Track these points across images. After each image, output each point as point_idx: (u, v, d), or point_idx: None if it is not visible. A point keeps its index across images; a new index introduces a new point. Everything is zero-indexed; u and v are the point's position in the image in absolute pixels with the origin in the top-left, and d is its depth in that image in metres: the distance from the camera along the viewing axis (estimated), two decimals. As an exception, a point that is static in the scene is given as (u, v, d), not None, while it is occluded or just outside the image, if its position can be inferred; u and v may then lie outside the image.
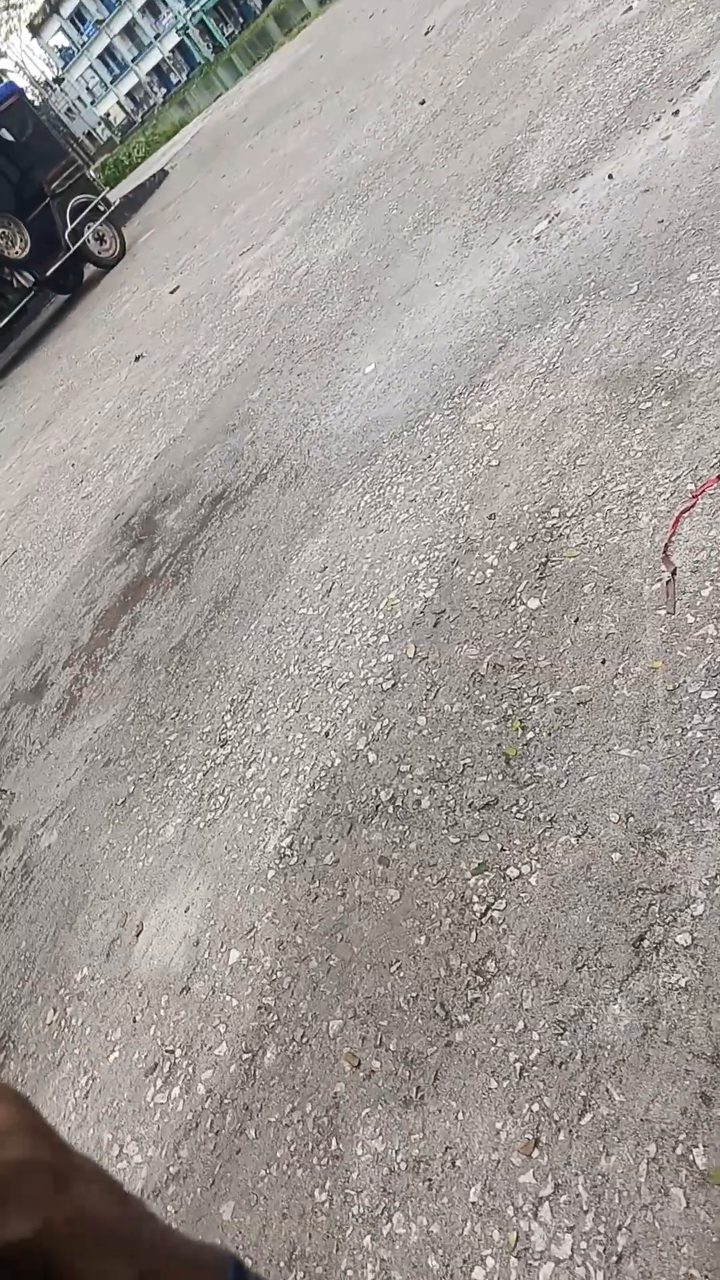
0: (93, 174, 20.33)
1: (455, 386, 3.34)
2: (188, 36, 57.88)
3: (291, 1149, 1.59)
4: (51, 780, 3.17)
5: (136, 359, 7.38)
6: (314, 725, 2.41)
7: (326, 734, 2.35)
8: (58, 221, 11.69)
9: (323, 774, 2.25)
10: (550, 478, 2.58)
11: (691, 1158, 1.20)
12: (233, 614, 3.17)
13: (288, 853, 2.13)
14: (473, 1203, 1.34)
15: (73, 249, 11.73)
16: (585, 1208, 1.24)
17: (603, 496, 2.34)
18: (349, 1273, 1.38)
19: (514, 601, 2.29)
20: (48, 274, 11.67)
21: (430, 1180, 1.40)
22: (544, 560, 2.34)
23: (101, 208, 12.33)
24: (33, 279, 11.66)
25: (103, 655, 3.63)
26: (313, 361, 4.57)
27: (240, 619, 3.11)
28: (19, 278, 11.61)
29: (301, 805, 2.22)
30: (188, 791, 2.59)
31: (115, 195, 15.21)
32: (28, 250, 11.41)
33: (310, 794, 2.23)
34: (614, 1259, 1.18)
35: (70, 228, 11.71)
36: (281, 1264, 1.46)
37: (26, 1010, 2.34)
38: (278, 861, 2.13)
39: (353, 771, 2.19)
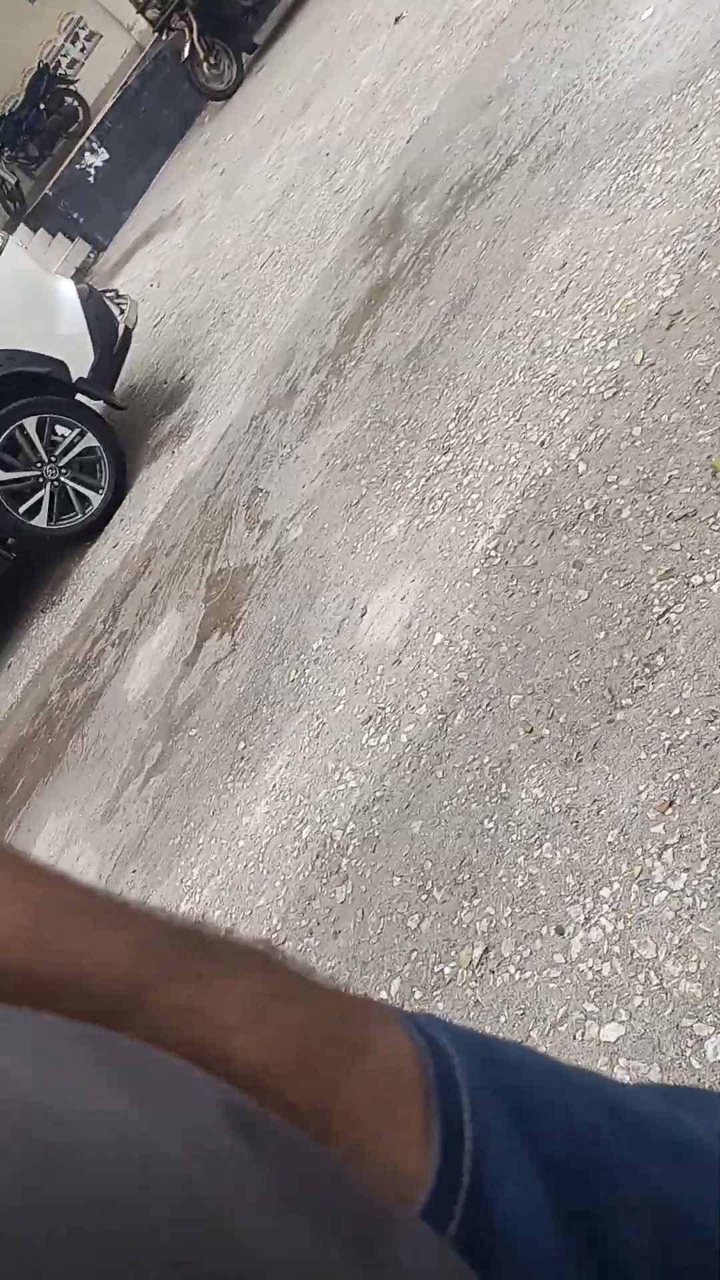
0: None
1: (744, 28, 2.81)
2: None
3: (470, 789, 1.91)
4: (298, 481, 3.49)
5: (396, 20, 6.66)
6: (531, 434, 2.45)
7: (542, 443, 2.39)
8: None
9: (533, 482, 2.33)
10: None
11: None
12: (467, 318, 3.13)
13: (493, 554, 2.30)
14: (609, 842, 1.58)
15: None
16: (703, 856, 1.44)
17: None
18: (504, 879, 1.72)
19: (758, 300, 2.09)
20: None
21: (578, 822, 1.66)
22: None
23: None
24: (289, -70, 10.46)
25: (345, 362, 3.76)
26: (584, 9, 3.94)
27: (474, 323, 3.07)
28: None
29: (510, 511, 2.34)
30: (411, 496, 2.78)
31: None
32: None
33: (520, 501, 2.33)
34: (719, 897, 1.39)
35: None
36: (454, 867, 1.83)
37: (276, 669, 2.82)
38: (483, 561, 2.31)
39: (562, 481, 2.25)
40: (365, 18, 7.64)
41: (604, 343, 2.43)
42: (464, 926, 1.73)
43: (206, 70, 9.88)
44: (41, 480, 4.61)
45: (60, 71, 13.03)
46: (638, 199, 2.72)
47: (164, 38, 10.36)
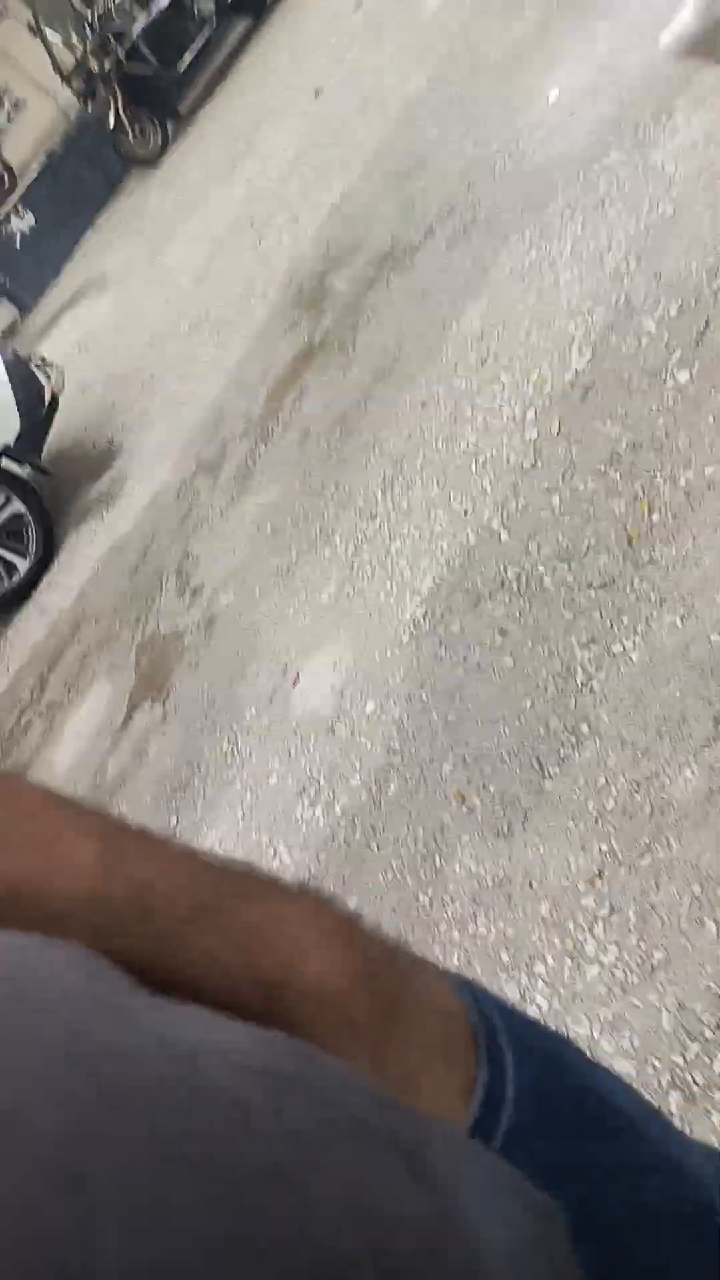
0: None
1: (641, 116, 2.97)
2: None
3: (405, 862, 1.89)
4: (228, 547, 3.49)
5: (316, 94, 6.90)
6: (454, 503, 2.50)
7: (465, 512, 2.44)
8: (239, -68, 10.57)
9: (458, 551, 2.37)
10: (727, 228, 2.33)
11: (729, 900, 1.35)
12: (390, 386, 3.20)
13: (421, 621, 2.32)
14: (542, 916, 1.58)
15: (254, -36, 10.66)
16: (632, 929, 1.45)
17: (777, 251, 2.11)
18: (439, 956, 1.70)
19: (664, 374, 2.18)
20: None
21: (510, 896, 1.65)
22: (703, 326, 2.19)
23: None
24: (214, 6, 10.80)
25: (273, 428, 3.79)
26: (495, 88, 4.13)
27: (396, 392, 3.14)
28: (199, 6, 10.79)
29: (437, 579, 2.37)
30: (341, 562, 2.80)
31: None
32: (208, -29, 10.49)
33: (445, 569, 2.37)
34: (649, 969, 1.39)
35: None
36: (390, 944, 1.81)
37: (207, 740, 2.78)
38: (412, 628, 2.33)
39: (485, 549, 2.29)
40: (288, 89, 7.89)
41: (522, 413, 2.51)
42: (402, 1007, 1.70)
43: (132, 138, 10.07)
44: (-34, 547, 4.53)
45: (-15, 137, 13.09)
46: (550, 273, 2.83)
47: (89, 108, 10.53)
